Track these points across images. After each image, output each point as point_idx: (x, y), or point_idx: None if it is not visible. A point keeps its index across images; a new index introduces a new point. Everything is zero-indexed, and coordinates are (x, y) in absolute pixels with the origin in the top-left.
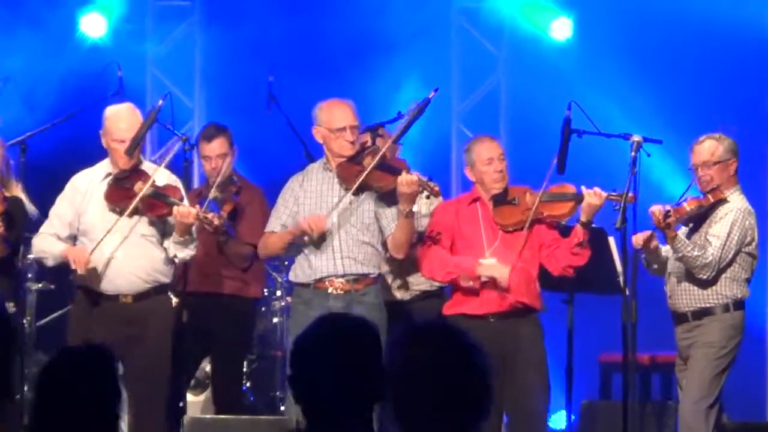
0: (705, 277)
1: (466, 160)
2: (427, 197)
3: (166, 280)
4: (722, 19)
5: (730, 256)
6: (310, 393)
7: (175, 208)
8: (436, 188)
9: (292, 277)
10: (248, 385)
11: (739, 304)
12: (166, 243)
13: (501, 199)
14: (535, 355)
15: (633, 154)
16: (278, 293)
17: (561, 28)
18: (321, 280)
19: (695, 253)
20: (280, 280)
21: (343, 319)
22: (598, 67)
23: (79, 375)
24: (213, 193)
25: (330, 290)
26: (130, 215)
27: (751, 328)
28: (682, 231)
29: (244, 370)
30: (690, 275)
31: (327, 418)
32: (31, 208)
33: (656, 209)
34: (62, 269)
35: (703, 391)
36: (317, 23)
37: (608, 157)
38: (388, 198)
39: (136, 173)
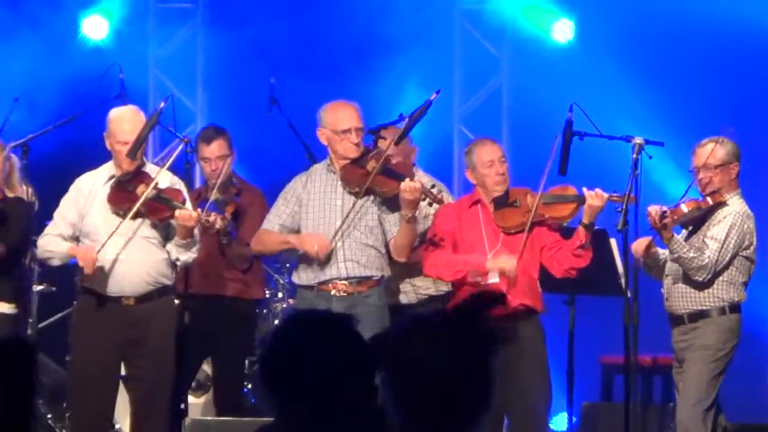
0: (701, 279)
1: (466, 163)
2: (430, 204)
3: (169, 282)
4: (725, 20)
5: (727, 259)
6: (288, 397)
7: (177, 211)
8: (440, 196)
9: (295, 279)
10: (250, 386)
11: (735, 308)
12: (169, 246)
13: (502, 202)
14: (536, 356)
15: (634, 156)
16: (280, 295)
17: (563, 30)
18: (324, 282)
19: (691, 255)
20: (281, 281)
21: (310, 316)
22: (600, 69)
23: None
24: (214, 195)
25: (333, 292)
26: (133, 218)
27: (752, 329)
28: (682, 235)
29: (246, 372)
30: (686, 277)
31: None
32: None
33: (653, 209)
34: (65, 271)
35: (700, 394)
36: (319, 25)
37: (610, 160)
38: (392, 202)
39: (138, 176)
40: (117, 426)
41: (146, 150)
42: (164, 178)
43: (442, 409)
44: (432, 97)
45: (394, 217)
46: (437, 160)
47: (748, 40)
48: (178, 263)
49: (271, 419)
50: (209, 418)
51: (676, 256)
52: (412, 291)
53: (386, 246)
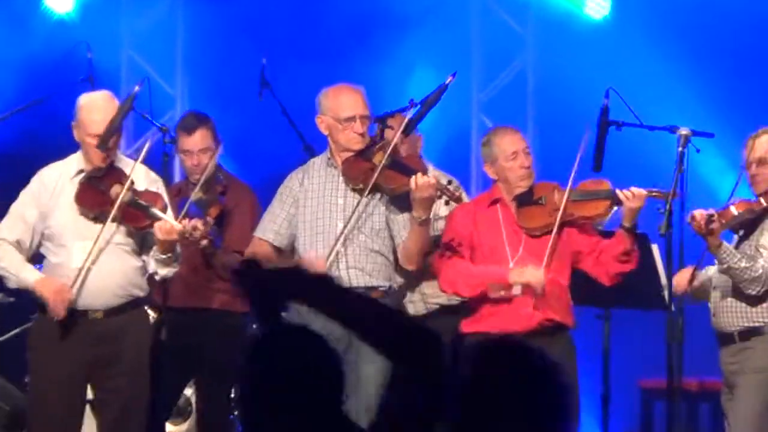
0: (754, 292)
1: (484, 156)
2: (446, 203)
3: (142, 293)
4: None
5: None
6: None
7: (156, 224)
8: (458, 193)
9: None
10: (236, 413)
11: None
12: (146, 257)
13: (525, 199)
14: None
15: (680, 149)
16: None
17: (598, 4)
18: None
19: (743, 265)
20: None
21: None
22: (640, 49)
23: None
24: (195, 195)
25: None
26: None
27: None
28: (733, 241)
29: (233, 395)
30: (737, 290)
31: None
32: None
33: (697, 213)
34: None
35: (753, 428)
36: None
37: (649, 153)
38: (401, 201)
39: (112, 173)
40: None
41: (119, 141)
42: (139, 174)
43: None
44: (447, 81)
45: (404, 219)
46: (452, 153)
47: None
48: (157, 277)
49: None
50: None
51: (725, 266)
52: (420, 300)
53: (394, 252)
